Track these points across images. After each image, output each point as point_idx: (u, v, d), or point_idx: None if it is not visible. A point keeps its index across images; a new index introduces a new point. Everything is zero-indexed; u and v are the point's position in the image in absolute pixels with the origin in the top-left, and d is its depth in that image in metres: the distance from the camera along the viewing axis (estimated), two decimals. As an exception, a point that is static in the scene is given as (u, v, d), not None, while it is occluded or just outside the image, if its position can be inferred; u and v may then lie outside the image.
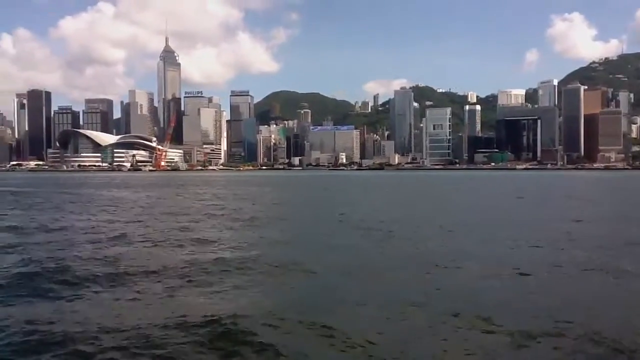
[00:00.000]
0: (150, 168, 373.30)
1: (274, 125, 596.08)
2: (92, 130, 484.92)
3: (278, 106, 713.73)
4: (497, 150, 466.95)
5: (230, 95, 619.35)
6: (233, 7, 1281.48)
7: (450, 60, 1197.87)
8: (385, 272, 17.57)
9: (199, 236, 26.17)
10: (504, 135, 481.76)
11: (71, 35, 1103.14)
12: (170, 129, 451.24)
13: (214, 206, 47.58)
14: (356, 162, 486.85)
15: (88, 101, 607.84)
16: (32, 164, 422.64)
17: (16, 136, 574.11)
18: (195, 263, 18.67)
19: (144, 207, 46.84)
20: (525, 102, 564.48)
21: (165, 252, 21.47)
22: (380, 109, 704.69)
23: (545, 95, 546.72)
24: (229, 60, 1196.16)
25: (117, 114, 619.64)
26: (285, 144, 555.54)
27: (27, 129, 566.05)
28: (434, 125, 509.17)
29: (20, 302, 13.71)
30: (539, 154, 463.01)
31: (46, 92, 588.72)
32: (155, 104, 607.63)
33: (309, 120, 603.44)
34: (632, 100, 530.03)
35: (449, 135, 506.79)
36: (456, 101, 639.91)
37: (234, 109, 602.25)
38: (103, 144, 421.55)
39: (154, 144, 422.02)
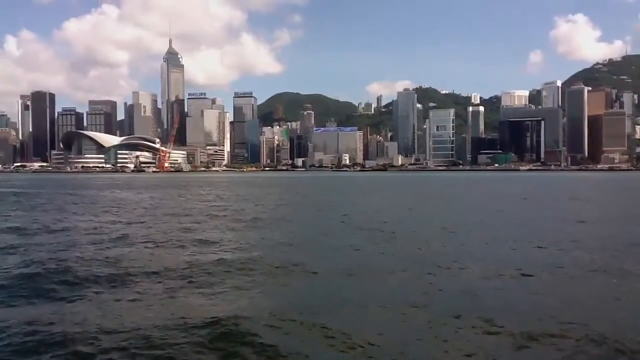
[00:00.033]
0: (154, 169, 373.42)
1: (277, 127, 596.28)
2: (95, 131, 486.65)
3: (281, 107, 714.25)
4: (500, 151, 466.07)
5: (234, 97, 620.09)
6: (236, 8, 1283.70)
7: (454, 61, 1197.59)
8: (387, 273, 17.51)
9: (201, 237, 26.16)
10: (507, 136, 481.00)
11: (75, 37, 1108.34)
12: (174, 130, 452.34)
13: (217, 207, 47.59)
14: (359, 163, 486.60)
15: (92, 103, 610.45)
16: (36, 165, 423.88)
17: (20, 137, 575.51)
18: (196, 264, 18.65)
19: (146, 208, 46.88)
20: (529, 103, 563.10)
21: (167, 253, 21.46)
22: (383, 110, 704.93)
23: (549, 97, 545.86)
24: (232, 62, 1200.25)
25: (120, 115, 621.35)
26: (289, 145, 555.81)
27: (31, 130, 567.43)
28: (437, 127, 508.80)
29: (22, 303, 13.73)
30: (542, 155, 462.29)
31: (50, 93, 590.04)
32: (159, 106, 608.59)
33: (312, 121, 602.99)
34: (636, 101, 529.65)
35: (453, 137, 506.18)
36: (460, 102, 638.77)
37: (237, 110, 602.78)
38: (107, 145, 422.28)
39: (157, 145, 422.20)
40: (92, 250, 21.89)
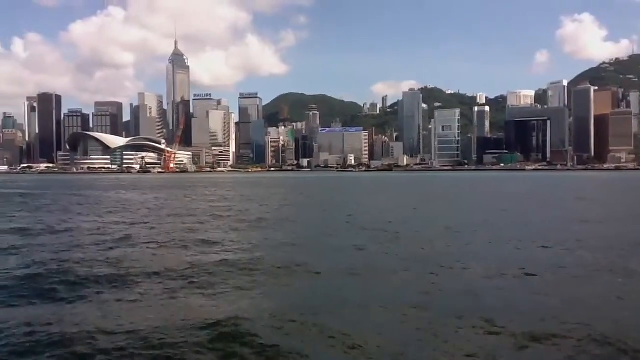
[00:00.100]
0: (160, 170, 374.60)
1: (283, 127, 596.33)
2: (101, 132, 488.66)
3: (286, 108, 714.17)
4: (506, 151, 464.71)
5: (239, 98, 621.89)
6: (242, 10, 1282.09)
7: (459, 61, 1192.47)
8: (390, 273, 17.44)
9: (204, 237, 26.14)
10: (513, 136, 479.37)
11: (81, 39, 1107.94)
12: (179, 131, 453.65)
13: (221, 207, 47.62)
14: (365, 164, 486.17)
15: (98, 104, 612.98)
16: (43, 166, 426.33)
17: (27, 139, 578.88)
18: (199, 264, 18.63)
19: (151, 209, 46.96)
20: (535, 103, 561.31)
21: (169, 254, 21.46)
22: (388, 110, 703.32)
23: (555, 96, 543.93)
24: (237, 63, 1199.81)
25: (126, 116, 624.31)
26: (294, 145, 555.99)
27: (37, 131, 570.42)
28: (442, 127, 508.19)
29: (23, 303, 13.74)
30: (548, 154, 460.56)
31: (56, 95, 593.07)
32: (165, 107, 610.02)
33: (318, 122, 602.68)
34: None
35: (458, 137, 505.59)
36: (465, 102, 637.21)
37: (242, 111, 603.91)
38: (112, 146, 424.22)
39: (163, 146, 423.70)
40: (95, 250, 21.93)
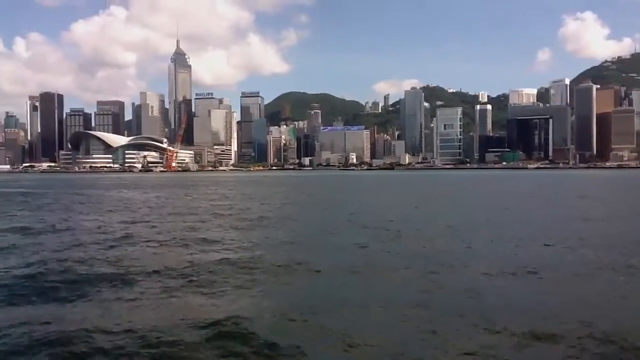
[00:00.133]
0: (161, 169, 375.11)
1: (284, 126, 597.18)
2: (103, 132, 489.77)
3: (288, 107, 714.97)
4: (508, 149, 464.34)
5: (241, 97, 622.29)
6: (244, 9, 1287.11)
7: (461, 60, 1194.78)
8: (391, 272, 17.37)
9: (204, 236, 26.09)
10: (515, 134, 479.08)
11: (83, 39, 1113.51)
12: (181, 130, 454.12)
13: (222, 206, 47.59)
14: (366, 162, 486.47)
15: (100, 103, 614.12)
16: (45, 165, 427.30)
17: (29, 138, 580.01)
18: (199, 263, 18.59)
19: (152, 208, 46.94)
20: (537, 101, 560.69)
21: (169, 252, 21.42)
22: (390, 109, 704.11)
23: (557, 95, 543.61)
24: (239, 62, 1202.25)
25: (128, 115, 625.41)
26: (296, 144, 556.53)
27: (39, 131, 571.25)
28: (444, 125, 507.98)
29: (23, 302, 13.70)
30: (550, 153, 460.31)
31: (58, 94, 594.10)
32: (166, 106, 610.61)
33: (319, 120, 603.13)
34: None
35: (460, 135, 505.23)
36: (467, 101, 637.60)
37: (244, 110, 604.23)
38: (114, 145, 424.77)
39: (164, 145, 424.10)
40: (95, 249, 21.90)
